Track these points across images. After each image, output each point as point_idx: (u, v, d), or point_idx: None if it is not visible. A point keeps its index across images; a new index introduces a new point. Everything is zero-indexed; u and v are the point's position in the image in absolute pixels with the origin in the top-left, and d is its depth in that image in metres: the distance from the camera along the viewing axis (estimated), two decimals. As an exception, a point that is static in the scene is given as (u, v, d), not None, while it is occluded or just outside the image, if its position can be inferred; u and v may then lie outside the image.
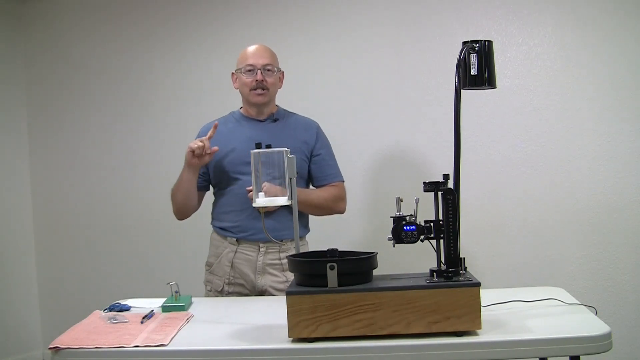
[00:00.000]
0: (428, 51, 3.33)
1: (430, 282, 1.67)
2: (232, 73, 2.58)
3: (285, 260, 2.45)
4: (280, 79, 2.60)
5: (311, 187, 2.61)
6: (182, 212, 2.58)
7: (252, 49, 2.54)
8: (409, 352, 1.60)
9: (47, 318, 4.02)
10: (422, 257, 1.97)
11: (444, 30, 3.30)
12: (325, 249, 1.82)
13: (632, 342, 3.08)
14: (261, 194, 2.00)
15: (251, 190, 2.14)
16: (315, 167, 2.56)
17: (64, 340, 1.76)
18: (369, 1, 3.41)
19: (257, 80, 2.47)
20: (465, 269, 1.72)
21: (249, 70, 2.50)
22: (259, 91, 2.49)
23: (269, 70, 2.50)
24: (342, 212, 2.61)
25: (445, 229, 1.70)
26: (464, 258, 1.71)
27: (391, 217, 1.76)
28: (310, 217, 2.62)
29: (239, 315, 2.03)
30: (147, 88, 3.81)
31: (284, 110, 2.63)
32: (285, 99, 2.70)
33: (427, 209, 1.76)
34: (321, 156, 2.57)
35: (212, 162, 2.52)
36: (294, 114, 2.64)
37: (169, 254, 3.76)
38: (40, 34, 3.98)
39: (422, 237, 1.75)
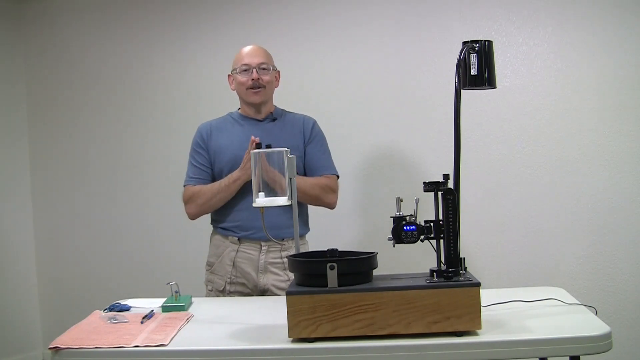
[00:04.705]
0: (428, 51, 3.33)
1: (430, 282, 1.67)
2: (229, 75, 2.60)
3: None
4: (277, 78, 2.61)
5: None
6: (206, 212, 2.55)
7: (246, 49, 2.56)
8: (409, 352, 1.60)
9: (47, 318, 4.02)
10: (422, 257, 1.97)
11: (444, 30, 3.30)
12: (325, 249, 1.82)
13: (632, 342, 3.08)
14: (261, 194, 2.00)
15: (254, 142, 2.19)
16: (307, 159, 2.55)
17: (64, 340, 1.76)
18: (369, 1, 3.41)
19: (252, 79, 2.48)
20: (465, 269, 1.72)
21: (245, 70, 2.51)
22: (255, 90, 2.49)
23: (264, 68, 2.51)
24: (331, 205, 2.57)
25: (445, 229, 1.70)
26: (464, 258, 1.71)
27: (391, 217, 1.76)
28: (310, 215, 2.62)
29: (239, 315, 2.03)
30: (146, 88, 3.81)
31: (282, 109, 2.64)
32: (284, 99, 2.71)
33: (427, 209, 1.76)
34: (312, 148, 2.55)
35: (212, 162, 2.53)
36: (291, 112, 2.65)
37: (169, 254, 3.76)
38: (40, 34, 3.98)
39: (422, 237, 1.75)
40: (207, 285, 2.58)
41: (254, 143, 2.27)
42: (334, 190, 2.56)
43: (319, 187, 2.51)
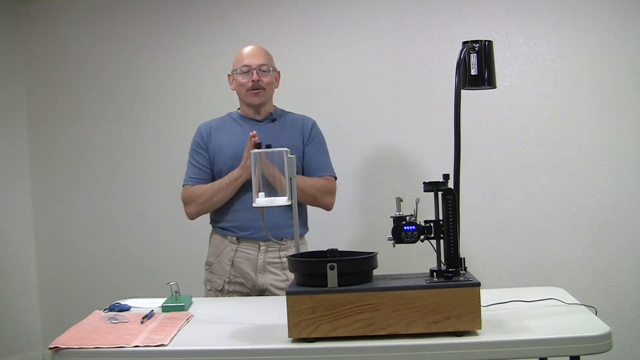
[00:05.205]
0: (428, 51, 3.33)
1: (430, 282, 1.67)
2: (229, 75, 2.59)
3: (286, 259, 2.45)
4: (277, 79, 2.61)
5: None
6: (206, 212, 2.56)
7: (247, 49, 2.55)
8: (409, 352, 1.60)
9: (47, 318, 4.02)
10: (422, 257, 1.97)
11: (444, 30, 3.30)
12: (325, 249, 1.82)
13: (632, 342, 3.08)
14: (261, 193, 2.00)
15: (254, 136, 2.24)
16: (306, 159, 2.55)
17: (64, 340, 1.76)
18: (369, 1, 3.41)
19: (253, 81, 2.48)
20: (465, 269, 1.72)
21: (245, 71, 2.51)
22: (255, 91, 2.49)
23: (264, 70, 2.51)
24: (328, 206, 2.57)
25: (445, 229, 1.70)
26: (464, 258, 1.71)
27: (391, 217, 1.76)
28: (310, 216, 2.62)
29: (239, 315, 2.03)
30: (146, 88, 3.81)
31: (281, 110, 2.64)
32: (284, 99, 2.70)
33: (427, 209, 1.76)
34: (311, 149, 2.56)
35: (212, 162, 2.53)
36: (291, 112, 2.65)
37: (169, 254, 3.76)
38: (40, 34, 3.98)
39: (422, 237, 1.75)
40: (206, 285, 2.58)
41: (252, 139, 2.28)
42: (332, 192, 2.57)
43: (317, 187, 2.51)
